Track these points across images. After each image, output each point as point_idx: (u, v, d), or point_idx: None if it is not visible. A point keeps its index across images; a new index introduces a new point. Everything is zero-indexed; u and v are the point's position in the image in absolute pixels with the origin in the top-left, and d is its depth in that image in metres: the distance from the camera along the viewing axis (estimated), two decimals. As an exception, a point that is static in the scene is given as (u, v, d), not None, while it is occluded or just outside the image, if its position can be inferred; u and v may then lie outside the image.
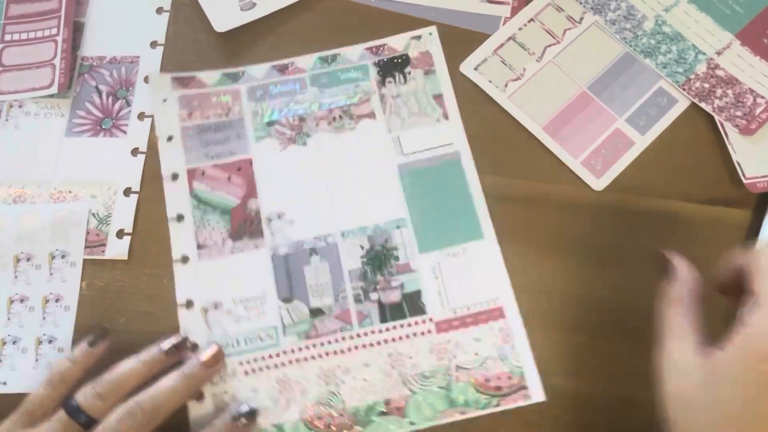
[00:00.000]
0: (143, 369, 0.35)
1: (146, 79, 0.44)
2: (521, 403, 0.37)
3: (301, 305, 0.39)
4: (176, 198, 0.41)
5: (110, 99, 0.44)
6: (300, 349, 0.38)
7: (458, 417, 0.37)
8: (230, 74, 0.44)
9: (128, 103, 0.44)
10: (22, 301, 0.40)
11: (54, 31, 0.45)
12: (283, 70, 0.44)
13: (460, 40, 0.45)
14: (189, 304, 0.39)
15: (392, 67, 0.44)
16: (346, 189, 0.42)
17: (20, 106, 0.44)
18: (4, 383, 0.38)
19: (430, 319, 0.39)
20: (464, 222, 0.41)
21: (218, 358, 0.37)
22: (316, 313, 0.39)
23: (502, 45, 0.45)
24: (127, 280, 0.40)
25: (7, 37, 0.45)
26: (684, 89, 0.43)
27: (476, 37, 0.45)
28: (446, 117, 0.43)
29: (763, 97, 0.43)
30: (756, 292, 0.28)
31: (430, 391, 0.38)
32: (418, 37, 0.45)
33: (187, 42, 0.46)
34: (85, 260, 0.41)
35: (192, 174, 0.42)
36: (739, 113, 0.43)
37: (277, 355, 0.38)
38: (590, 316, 0.39)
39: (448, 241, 0.41)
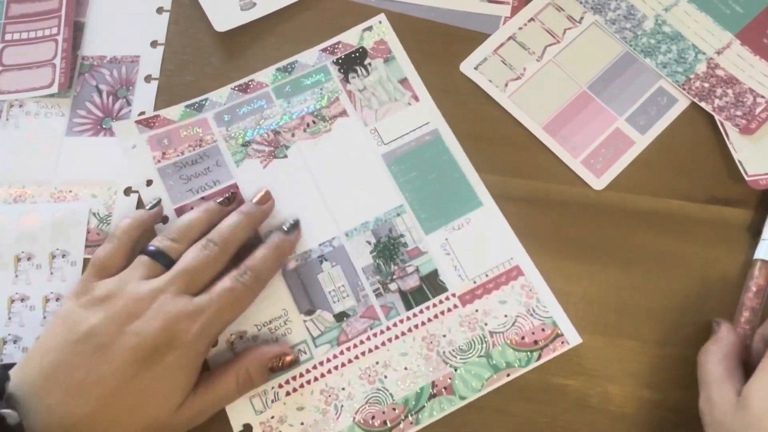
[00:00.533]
0: (204, 216, 0.38)
1: (147, 79, 0.45)
2: (561, 350, 0.38)
3: (324, 314, 0.39)
4: None
5: (110, 98, 0.44)
6: (335, 356, 0.38)
7: (505, 380, 0.38)
8: (193, 105, 0.43)
9: (128, 103, 0.44)
10: (22, 300, 0.40)
11: (54, 30, 0.45)
12: (244, 89, 0.44)
13: (460, 39, 0.45)
14: (215, 342, 0.39)
15: (352, 62, 0.44)
16: (338, 190, 0.42)
17: (20, 106, 0.44)
18: (5, 382, 0.38)
19: (453, 295, 0.40)
20: (460, 194, 0.42)
21: (268, 196, 0.40)
22: (341, 317, 0.39)
23: (502, 44, 0.45)
24: (128, 280, 0.40)
25: (8, 37, 0.46)
26: (684, 89, 0.43)
27: (476, 37, 0.45)
28: (416, 99, 0.44)
29: (763, 97, 0.43)
30: None
31: (472, 362, 0.38)
32: (370, 28, 0.45)
33: (187, 42, 0.46)
34: (85, 260, 0.41)
35: (181, 212, 0.41)
36: (739, 113, 0.43)
37: (314, 367, 0.38)
38: (590, 315, 0.39)
39: (450, 216, 0.41)
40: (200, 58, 0.45)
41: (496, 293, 0.40)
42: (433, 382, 0.38)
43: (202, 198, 0.41)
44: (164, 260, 0.36)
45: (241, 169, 0.42)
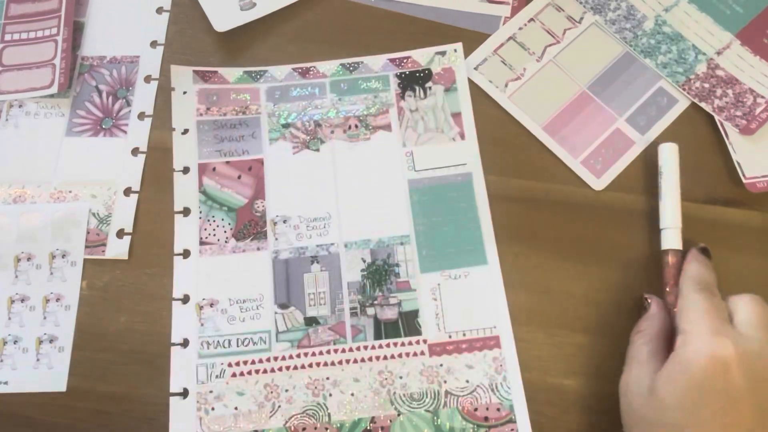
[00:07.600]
0: None
1: (147, 79, 0.44)
2: None
3: (297, 312, 0.39)
4: (184, 191, 0.41)
5: (110, 99, 0.44)
6: (291, 357, 0.38)
7: None
8: (251, 73, 0.44)
9: (128, 103, 0.44)
10: (22, 300, 0.40)
11: (54, 30, 0.45)
12: (304, 73, 0.44)
13: (460, 39, 0.45)
14: (185, 299, 0.39)
15: (413, 80, 0.44)
16: (353, 199, 0.41)
17: (20, 106, 0.44)
18: (5, 383, 0.38)
19: (425, 341, 0.39)
20: (469, 246, 0.40)
21: None
22: (311, 322, 0.39)
23: (502, 45, 0.45)
24: (127, 280, 0.40)
25: (8, 37, 0.45)
26: (684, 89, 0.43)
27: (476, 37, 0.45)
28: (462, 137, 0.43)
29: (763, 97, 0.43)
30: (683, 330, 0.33)
31: (417, 413, 0.37)
32: (443, 53, 0.45)
33: (187, 42, 0.46)
34: (85, 260, 0.41)
35: (203, 169, 0.42)
36: (739, 113, 0.43)
37: (268, 360, 0.38)
38: (590, 315, 0.39)
39: (451, 263, 0.40)
40: (200, 58, 0.45)
41: (466, 355, 0.38)
42: (372, 418, 0.37)
43: (227, 162, 0.42)
44: None
45: (272, 148, 0.42)
